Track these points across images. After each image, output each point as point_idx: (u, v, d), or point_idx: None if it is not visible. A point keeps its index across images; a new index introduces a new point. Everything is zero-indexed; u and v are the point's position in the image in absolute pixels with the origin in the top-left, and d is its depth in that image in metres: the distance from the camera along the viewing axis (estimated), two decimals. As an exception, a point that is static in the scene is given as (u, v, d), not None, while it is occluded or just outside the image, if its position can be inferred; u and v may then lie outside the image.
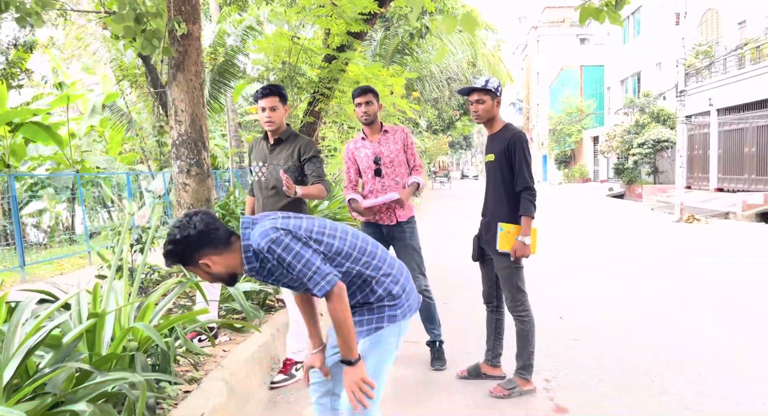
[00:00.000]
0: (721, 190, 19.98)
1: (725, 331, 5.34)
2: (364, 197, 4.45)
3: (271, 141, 4.08)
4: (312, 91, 8.11)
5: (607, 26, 39.36)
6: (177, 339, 3.48)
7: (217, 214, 5.98)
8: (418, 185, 4.47)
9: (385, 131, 4.43)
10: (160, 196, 15.96)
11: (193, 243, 2.16)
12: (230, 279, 2.28)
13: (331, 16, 7.67)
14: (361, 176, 4.52)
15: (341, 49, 8.28)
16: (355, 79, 8.49)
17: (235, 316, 4.89)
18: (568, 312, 6.01)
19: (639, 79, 31.78)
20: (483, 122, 3.98)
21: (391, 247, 4.46)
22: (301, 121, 8.84)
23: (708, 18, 23.94)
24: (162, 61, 10.62)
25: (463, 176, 61.80)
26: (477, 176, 63.15)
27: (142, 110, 15.74)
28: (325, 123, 9.84)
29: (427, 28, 8.73)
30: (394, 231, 4.39)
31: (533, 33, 55.60)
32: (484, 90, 3.88)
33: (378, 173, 4.36)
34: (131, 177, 13.62)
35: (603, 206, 21.26)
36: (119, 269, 4.85)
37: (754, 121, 18.06)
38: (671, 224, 14.98)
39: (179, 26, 5.71)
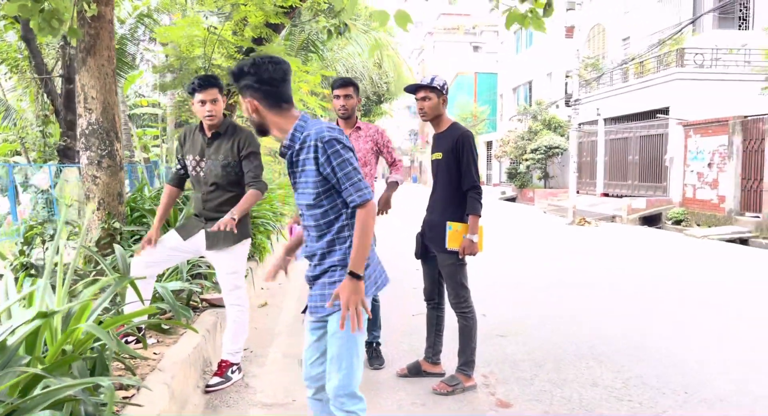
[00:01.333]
0: (606, 195, 21.27)
1: (637, 322, 5.65)
2: None
3: (209, 134, 3.86)
4: (228, 84, 7.79)
5: (502, 36, 41.02)
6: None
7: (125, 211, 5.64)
8: (398, 184, 4.40)
9: (358, 128, 4.32)
10: (43, 190, 14.87)
11: (257, 80, 2.29)
12: (261, 129, 2.41)
13: (247, 5, 7.40)
14: None
15: (259, 41, 8.04)
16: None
17: (160, 316, 4.59)
18: (487, 310, 6.14)
19: (531, 88, 33.26)
20: (429, 119, 3.96)
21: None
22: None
23: (595, 33, 25.44)
24: (68, 45, 9.90)
25: None
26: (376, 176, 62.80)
27: (24, 98, 14.64)
28: (239, 118, 9.51)
29: (346, 25, 8.64)
30: None
31: (429, 38, 56.90)
32: (430, 87, 3.88)
33: None
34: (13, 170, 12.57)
35: (498, 209, 22.01)
36: (29, 267, 4.43)
37: (637, 131, 19.37)
38: (565, 227, 15.76)
39: (89, 7, 5.31)
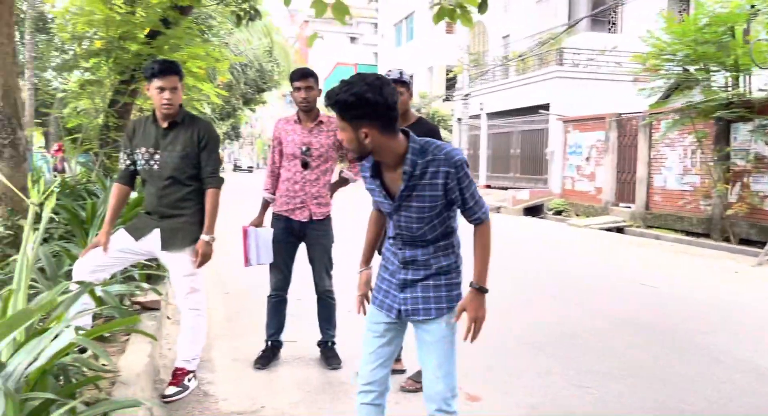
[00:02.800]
0: (489, 187, 22.15)
1: (559, 307, 5.92)
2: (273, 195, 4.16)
3: (164, 124, 3.54)
4: (133, 69, 7.26)
5: (381, 28, 41.46)
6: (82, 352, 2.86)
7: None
8: (348, 181, 4.25)
9: (320, 121, 4.10)
10: None
11: (373, 109, 2.10)
12: (363, 157, 2.27)
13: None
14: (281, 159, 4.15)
15: (166, 24, 7.56)
16: (181, 59, 7.80)
17: (98, 321, 4.18)
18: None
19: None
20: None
21: (303, 244, 4.17)
22: (110, 100, 7.90)
23: (477, 30, 26.35)
24: None
25: (236, 168, 57.15)
26: (251, 167, 58.86)
27: None
28: (138, 105, 8.90)
29: (257, 10, 8.32)
30: (307, 229, 4.10)
31: (306, 27, 56.31)
32: (401, 82, 3.80)
33: (305, 165, 4.03)
34: None
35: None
36: None
37: (519, 125, 20.32)
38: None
39: (-12, -22, 4.75)
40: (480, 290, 2.36)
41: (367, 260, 2.68)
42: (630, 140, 15.06)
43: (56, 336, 1.95)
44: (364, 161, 2.35)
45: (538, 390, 3.95)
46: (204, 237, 3.52)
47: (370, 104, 2.09)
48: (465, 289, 2.45)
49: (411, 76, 3.88)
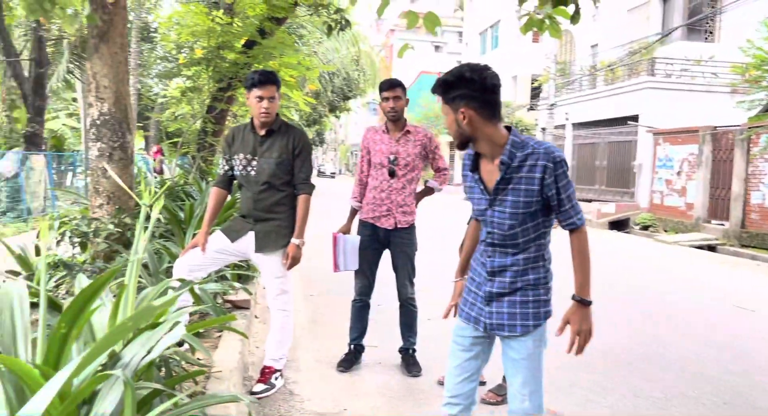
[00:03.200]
0: (572, 198, 21.66)
1: (648, 325, 5.74)
2: (360, 203, 4.29)
3: (262, 132, 3.72)
4: (230, 77, 7.60)
5: (466, 37, 41.36)
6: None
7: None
8: (433, 190, 4.35)
9: (407, 131, 4.21)
10: (6, 178, 14.21)
11: (478, 88, 2.16)
12: (464, 143, 2.28)
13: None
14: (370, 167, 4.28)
15: (262, 34, 7.87)
16: (274, 68, 8.09)
17: (193, 317, 4.42)
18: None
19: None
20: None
21: (387, 251, 4.27)
22: (207, 106, 8.28)
23: (565, 39, 25.86)
24: (40, 27, 9.53)
25: (320, 174, 57.46)
26: (334, 173, 60.08)
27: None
28: (233, 111, 9.29)
29: (348, 20, 8.52)
30: (392, 236, 4.20)
31: (391, 36, 56.83)
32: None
33: (392, 173, 4.14)
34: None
35: (465, 208, 22.12)
36: (60, 265, 4.21)
37: (606, 136, 19.78)
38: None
39: (109, -8, 5.10)
40: (581, 302, 2.28)
41: (462, 271, 2.66)
42: (725, 154, 14.39)
43: (169, 330, 2.09)
44: (467, 150, 2.35)
45: (623, 410, 3.86)
46: (294, 241, 3.66)
47: (466, 81, 2.16)
48: (563, 304, 2.41)
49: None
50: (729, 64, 17.42)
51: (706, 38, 20.14)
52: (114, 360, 2.19)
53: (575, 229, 2.27)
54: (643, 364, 4.80)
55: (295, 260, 3.68)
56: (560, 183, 2.21)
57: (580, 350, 2.28)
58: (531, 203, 2.24)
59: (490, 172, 2.30)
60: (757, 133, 12.97)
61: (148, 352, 2.03)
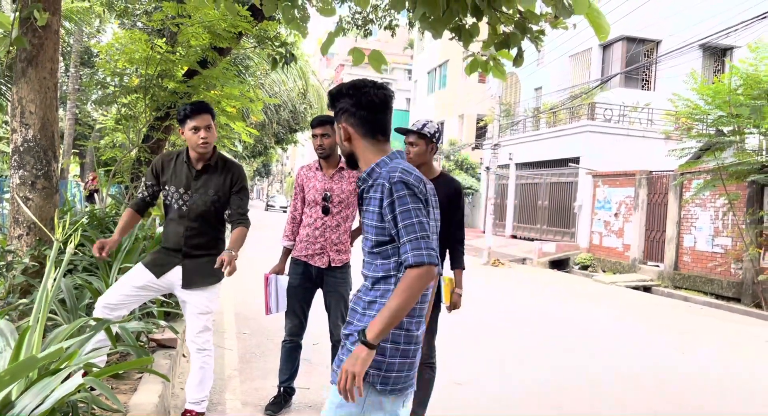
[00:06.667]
0: (515, 237, 21.99)
1: (572, 359, 5.76)
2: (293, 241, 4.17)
3: (198, 167, 3.58)
4: (168, 106, 7.42)
5: (415, 74, 42.06)
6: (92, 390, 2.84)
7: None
8: None
9: (341, 168, 4.13)
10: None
11: (354, 104, 2.13)
12: (351, 160, 2.23)
13: (193, 26, 7.10)
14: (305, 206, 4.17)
15: (203, 64, 7.75)
16: (215, 99, 7.97)
17: (114, 357, 4.18)
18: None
19: (442, 129, 34.17)
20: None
21: (319, 290, 4.15)
22: (144, 135, 8.06)
23: (510, 81, 26.57)
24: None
25: (269, 207, 53.08)
26: (285, 207, 52.16)
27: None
28: (169, 141, 9.08)
29: (293, 55, 8.50)
30: (325, 275, 4.08)
31: (341, 71, 57.38)
32: (419, 133, 3.80)
33: (326, 211, 4.04)
34: None
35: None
36: None
37: (547, 177, 20.25)
38: (481, 266, 16.09)
39: (40, 15, 4.91)
40: (364, 343, 1.94)
41: None
42: (660, 198, 14.88)
43: (67, 377, 1.93)
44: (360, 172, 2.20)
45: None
46: (225, 254, 3.26)
47: (345, 96, 2.15)
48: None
49: (439, 127, 3.87)
50: (663, 111, 18.21)
51: (643, 86, 21.01)
52: (7, 408, 2.01)
53: (410, 266, 1.92)
54: (560, 398, 4.79)
55: (231, 265, 3.25)
56: (397, 209, 1.98)
57: (340, 390, 1.94)
58: (378, 229, 2.06)
59: None
60: (689, 179, 13.48)
61: (42, 402, 1.87)
